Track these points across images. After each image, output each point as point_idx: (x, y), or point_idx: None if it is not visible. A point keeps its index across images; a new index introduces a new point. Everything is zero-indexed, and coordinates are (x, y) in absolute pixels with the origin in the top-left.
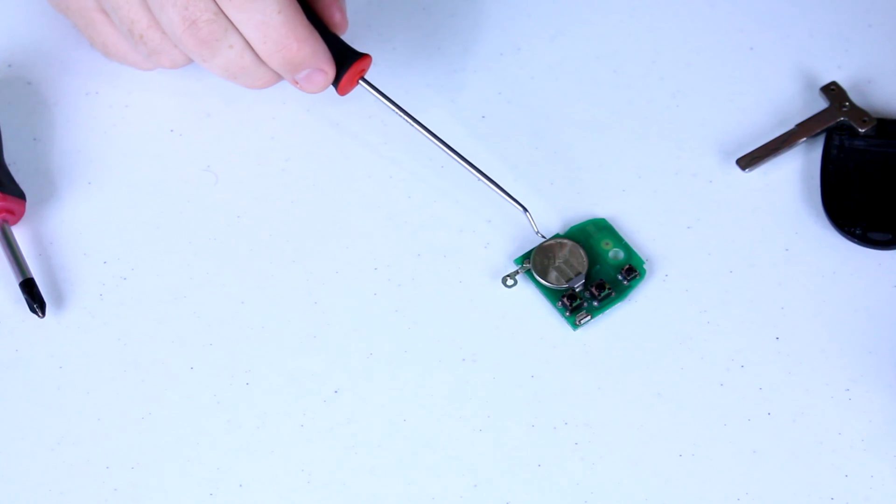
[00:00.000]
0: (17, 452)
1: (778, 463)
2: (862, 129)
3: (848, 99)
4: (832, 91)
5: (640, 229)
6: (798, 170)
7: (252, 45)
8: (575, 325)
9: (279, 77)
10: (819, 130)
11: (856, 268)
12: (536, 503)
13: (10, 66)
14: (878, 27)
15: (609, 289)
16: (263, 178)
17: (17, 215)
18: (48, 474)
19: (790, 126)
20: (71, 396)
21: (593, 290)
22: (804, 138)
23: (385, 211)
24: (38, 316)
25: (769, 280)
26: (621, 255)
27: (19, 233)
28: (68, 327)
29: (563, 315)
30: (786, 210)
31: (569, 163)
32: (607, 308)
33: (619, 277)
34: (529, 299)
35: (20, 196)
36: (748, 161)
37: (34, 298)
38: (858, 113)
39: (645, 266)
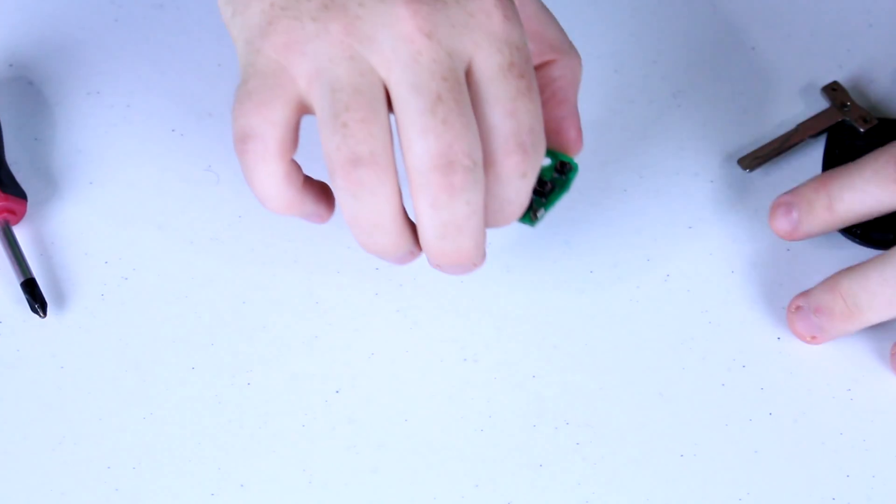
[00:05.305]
0: (18, 452)
1: (779, 463)
2: (863, 128)
3: (849, 99)
4: (833, 91)
5: (640, 229)
6: (799, 170)
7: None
8: (533, 222)
9: (401, 253)
10: (820, 130)
11: None
12: (538, 503)
13: (11, 65)
14: (878, 27)
15: (551, 183)
16: None
17: (18, 215)
18: (49, 474)
19: (791, 126)
20: (72, 396)
21: (536, 187)
22: (805, 138)
23: None
24: (40, 316)
25: (770, 280)
26: (548, 161)
27: (20, 233)
28: (69, 327)
29: (520, 221)
30: None
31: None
32: (556, 200)
33: (557, 175)
34: (529, 299)
35: (21, 196)
36: (750, 161)
37: (35, 298)
38: (860, 113)
39: (575, 161)
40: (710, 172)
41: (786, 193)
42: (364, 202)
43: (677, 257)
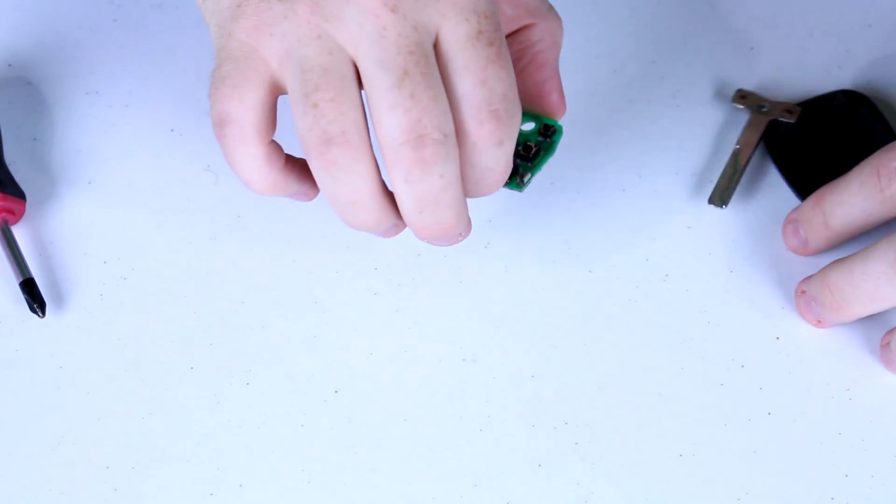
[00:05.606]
0: (17, 452)
1: (778, 463)
2: (793, 120)
3: (763, 99)
4: (744, 98)
5: (640, 229)
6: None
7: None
8: (520, 187)
9: (384, 227)
10: (759, 139)
11: None
12: (536, 503)
13: (10, 65)
14: (877, 27)
15: (536, 147)
16: None
17: (17, 215)
18: (48, 474)
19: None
20: (71, 396)
21: (521, 151)
22: (751, 153)
23: None
24: (39, 316)
25: (769, 280)
26: (531, 125)
27: (19, 233)
28: (68, 327)
29: (507, 186)
30: (785, 210)
31: (569, 162)
32: (542, 164)
33: (541, 139)
34: (528, 299)
35: (20, 196)
36: (720, 197)
37: (34, 298)
38: (782, 107)
39: (559, 123)
40: (708, 172)
41: (792, 211)
42: (340, 181)
43: (676, 257)
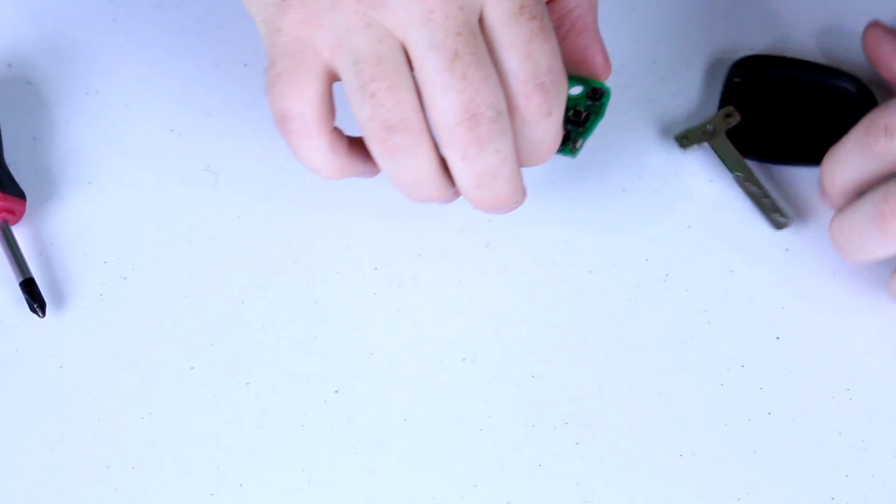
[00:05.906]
0: (17, 452)
1: (778, 463)
2: (736, 122)
3: (702, 125)
4: (688, 139)
5: (640, 229)
6: (791, 173)
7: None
8: (573, 153)
9: (445, 197)
10: (739, 154)
11: (856, 267)
12: (537, 503)
13: (10, 65)
14: None
15: (586, 111)
16: (263, 178)
17: (17, 215)
18: (48, 474)
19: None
20: (71, 396)
21: (571, 117)
22: (747, 166)
23: (385, 210)
24: (39, 316)
25: (769, 280)
26: (579, 88)
27: (19, 233)
28: (68, 327)
29: (560, 153)
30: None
31: (569, 162)
32: (593, 127)
33: (590, 102)
34: (528, 299)
35: (20, 196)
36: (779, 219)
37: (34, 298)
38: (722, 116)
39: (607, 85)
40: (708, 172)
41: None
42: (403, 164)
43: (676, 257)
